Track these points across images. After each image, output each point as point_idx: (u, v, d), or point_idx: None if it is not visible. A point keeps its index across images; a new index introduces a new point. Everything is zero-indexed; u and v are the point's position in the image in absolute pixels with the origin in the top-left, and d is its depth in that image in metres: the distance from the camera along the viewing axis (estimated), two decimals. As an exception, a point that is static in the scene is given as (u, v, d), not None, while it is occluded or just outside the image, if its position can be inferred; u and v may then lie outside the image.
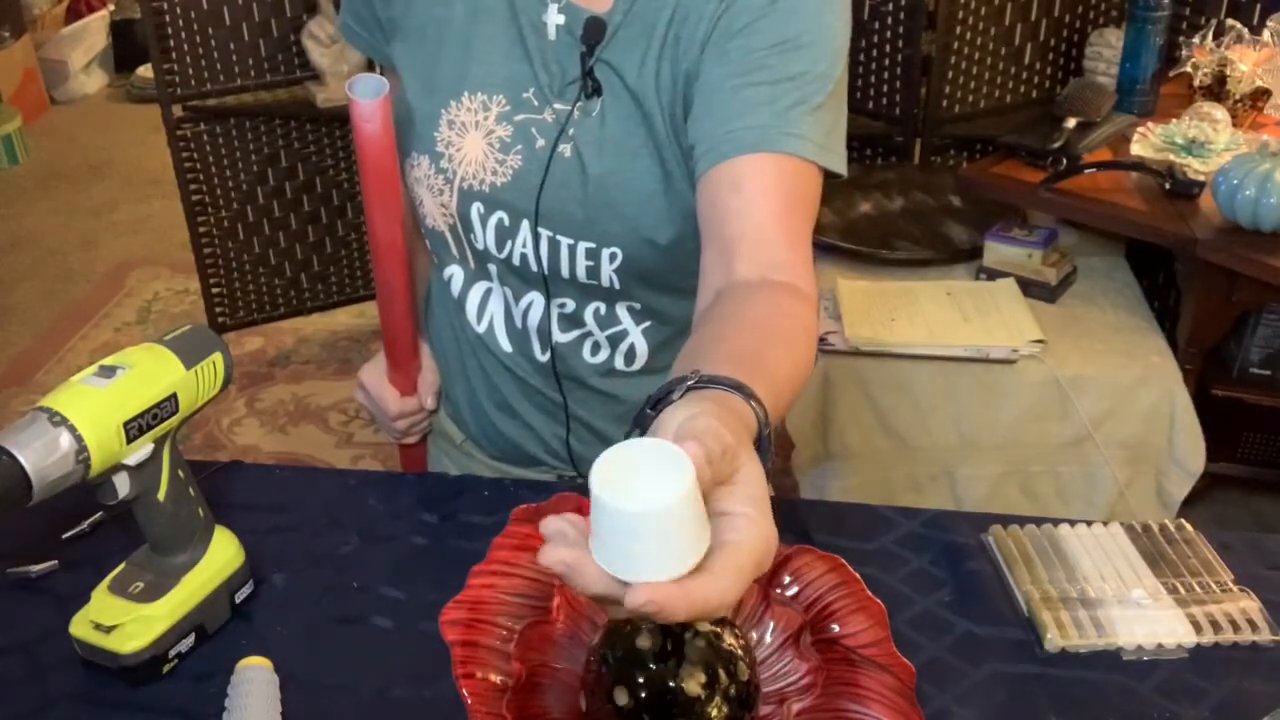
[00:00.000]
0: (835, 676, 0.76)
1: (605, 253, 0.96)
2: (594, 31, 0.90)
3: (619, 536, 0.53)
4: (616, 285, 0.98)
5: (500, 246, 1.00)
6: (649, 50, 0.91)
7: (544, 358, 1.06)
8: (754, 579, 0.55)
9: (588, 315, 1.02)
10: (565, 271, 0.98)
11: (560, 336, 1.04)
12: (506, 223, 0.98)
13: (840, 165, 0.89)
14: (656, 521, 0.52)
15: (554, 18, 0.93)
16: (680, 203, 0.94)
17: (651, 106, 0.92)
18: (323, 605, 0.91)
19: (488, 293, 1.06)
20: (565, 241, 0.97)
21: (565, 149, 0.94)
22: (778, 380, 0.70)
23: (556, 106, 0.94)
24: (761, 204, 0.85)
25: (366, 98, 0.94)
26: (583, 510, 0.84)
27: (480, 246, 1.01)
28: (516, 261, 1.00)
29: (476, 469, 1.18)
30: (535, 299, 1.03)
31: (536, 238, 0.97)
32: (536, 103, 0.95)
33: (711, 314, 0.82)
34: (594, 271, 0.98)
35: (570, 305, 1.02)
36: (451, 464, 1.21)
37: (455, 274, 1.07)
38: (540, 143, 0.95)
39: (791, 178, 0.86)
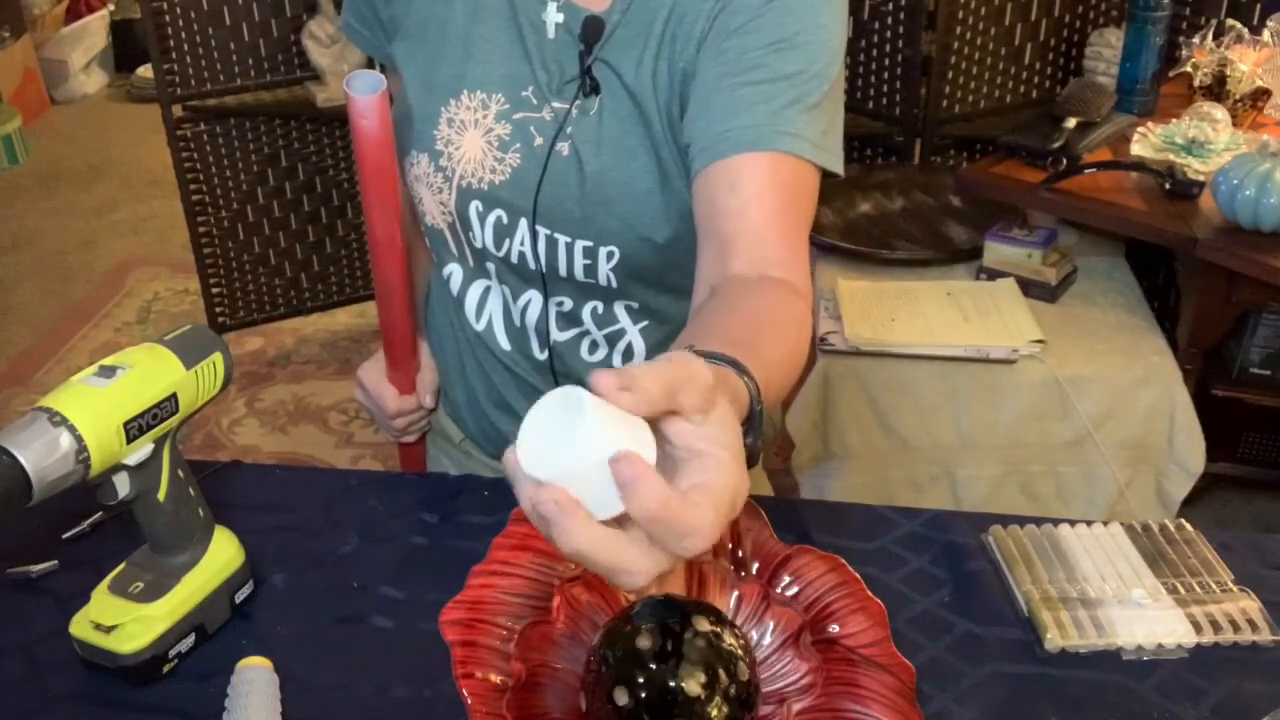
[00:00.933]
0: (835, 676, 0.76)
1: (602, 251, 0.96)
2: (592, 30, 0.91)
3: (577, 489, 0.52)
4: (614, 284, 0.98)
5: (498, 244, 1.00)
6: (646, 49, 0.91)
7: (542, 356, 1.06)
8: (727, 521, 0.54)
9: (585, 314, 1.02)
10: (563, 270, 0.99)
11: (558, 335, 1.04)
12: (505, 220, 0.98)
13: (837, 165, 0.89)
14: (581, 469, 0.51)
15: (553, 16, 0.93)
16: (677, 201, 0.94)
17: (649, 105, 0.92)
18: (323, 605, 0.91)
19: (486, 291, 1.06)
20: (563, 239, 0.97)
21: (563, 147, 0.94)
22: (769, 365, 0.70)
23: (555, 105, 0.94)
24: (757, 204, 0.85)
25: (363, 93, 0.94)
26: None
27: (479, 244, 1.01)
28: (514, 260, 1.00)
29: (475, 468, 1.18)
30: (533, 297, 1.03)
31: (534, 236, 0.97)
32: (535, 101, 0.95)
33: (706, 306, 0.82)
34: (591, 270, 0.98)
35: (568, 304, 1.02)
36: (450, 463, 1.21)
37: (454, 272, 1.08)
38: (539, 141, 0.95)
39: (788, 177, 0.86)
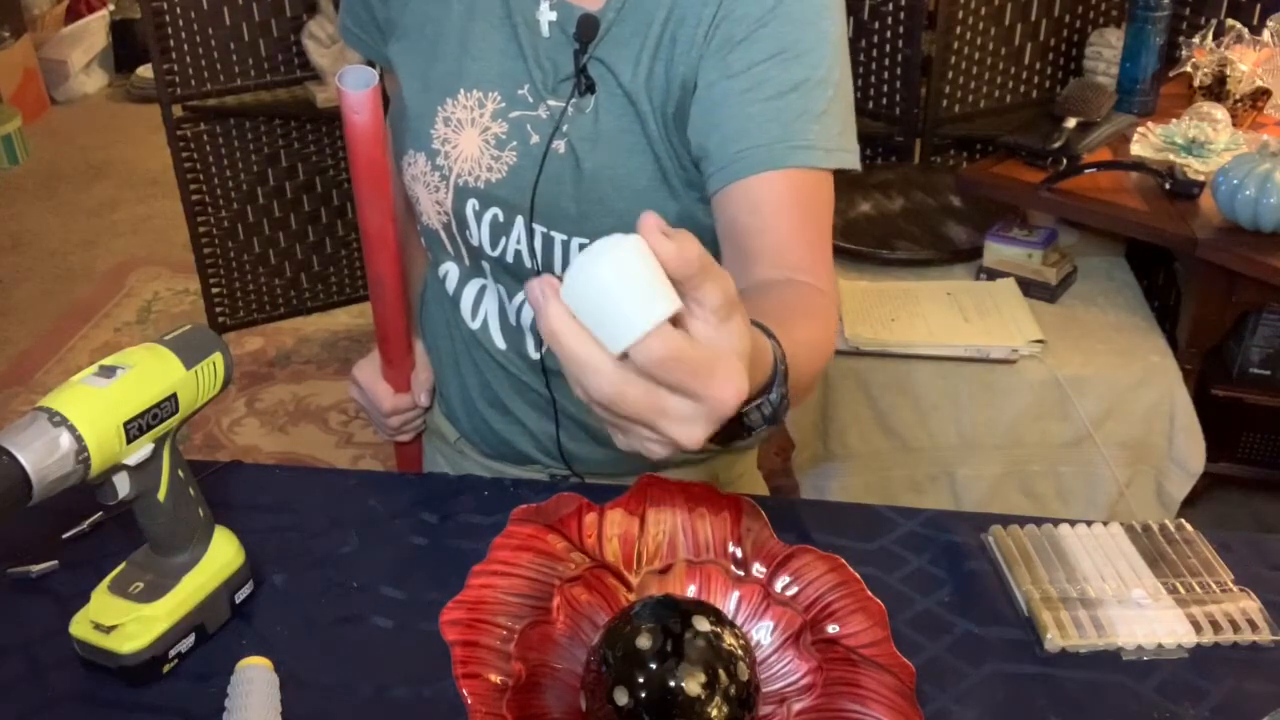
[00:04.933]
0: (835, 676, 0.76)
1: None
2: (586, 29, 0.91)
3: (588, 308, 0.53)
4: None
5: (494, 243, 1.00)
6: (644, 49, 0.91)
7: (537, 355, 1.06)
8: (745, 386, 0.54)
9: None
10: (559, 268, 0.99)
11: None
12: (501, 219, 0.98)
13: (853, 161, 0.91)
14: (607, 273, 0.53)
15: (546, 14, 0.93)
16: (675, 199, 0.94)
17: (644, 105, 0.92)
18: (323, 605, 0.91)
19: (482, 290, 1.06)
20: (559, 238, 0.97)
21: (559, 145, 0.94)
22: (796, 343, 0.70)
23: (551, 103, 0.94)
24: (778, 220, 0.87)
25: (355, 88, 0.94)
26: (582, 510, 0.85)
27: (475, 243, 1.01)
28: (510, 259, 1.00)
29: (470, 467, 1.18)
30: None
31: (531, 234, 0.98)
32: (531, 99, 0.95)
33: None
34: None
35: None
36: (445, 462, 1.21)
37: (450, 271, 1.08)
38: (535, 139, 0.95)
39: (805, 189, 0.88)
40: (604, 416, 0.57)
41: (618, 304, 0.53)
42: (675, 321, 0.54)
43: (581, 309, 0.54)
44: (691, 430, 0.54)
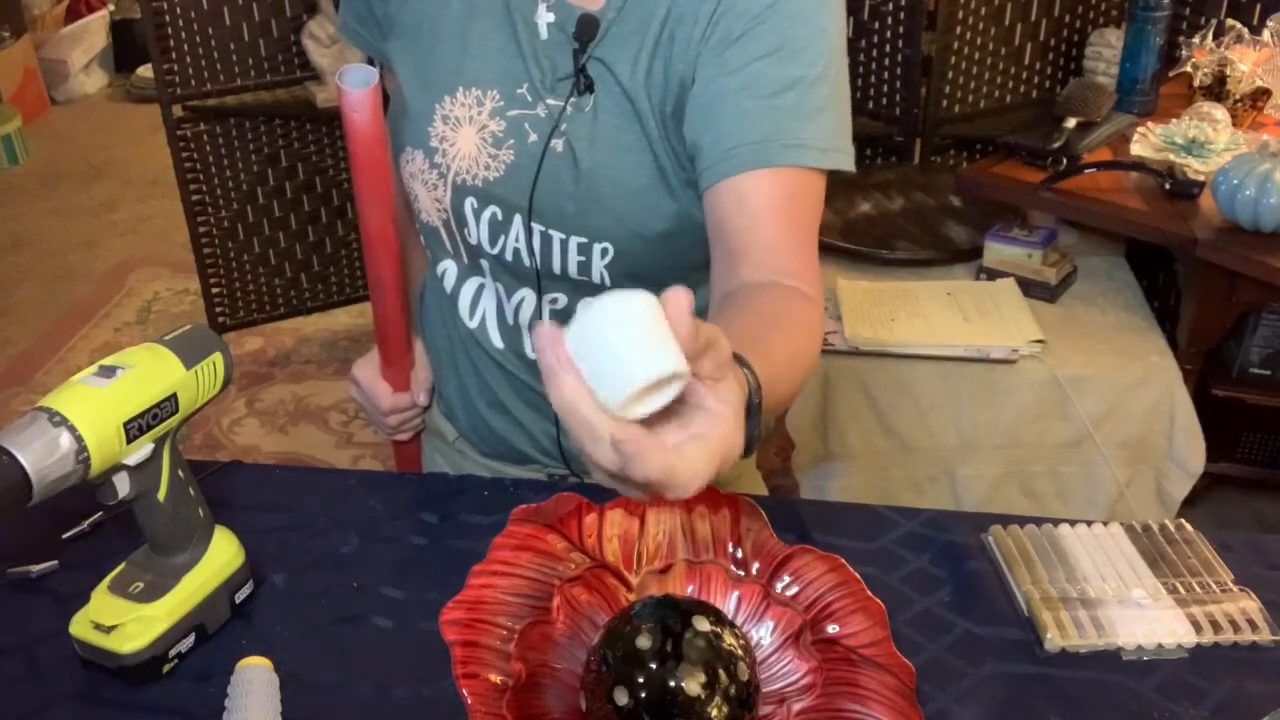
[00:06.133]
0: (835, 676, 0.76)
1: (596, 248, 0.96)
2: (586, 29, 0.91)
3: (591, 355, 0.55)
4: (608, 281, 0.99)
5: (493, 242, 1.00)
6: (643, 48, 0.91)
7: (535, 355, 1.06)
8: (714, 473, 0.59)
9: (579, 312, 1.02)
10: (557, 267, 0.99)
11: None
12: (500, 217, 0.98)
13: (847, 163, 0.90)
14: (616, 321, 0.54)
15: (544, 16, 0.93)
16: (673, 198, 0.94)
17: (643, 104, 0.92)
18: (323, 605, 0.91)
19: (480, 289, 1.06)
20: (557, 236, 0.97)
21: (557, 144, 0.94)
22: (776, 363, 0.72)
23: (549, 102, 0.94)
24: (767, 220, 0.87)
25: (356, 87, 0.94)
26: (582, 510, 0.85)
27: (473, 241, 1.01)
28: (509, 257, 1.00)
29: (469, 467, 1.18)
30: (527, 295, 1.03)
31: (529, 233, 0.98)
32: (530, 98, 0.95)
33: (719, 312, 0.84)
34: (585, 267, 0.98)
35: (562, 301, 1.02)
36: (444, 461, 1.21)
37: (448, 269, 1.08)
38: (533, 138, 0.95)
39: (795, 188, 0.88)
40: (609, 474, 0.59)
41: (622, 353, 0.54)
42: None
43: (585, 353, 0.55)
44: (681, 494, 0.59)
